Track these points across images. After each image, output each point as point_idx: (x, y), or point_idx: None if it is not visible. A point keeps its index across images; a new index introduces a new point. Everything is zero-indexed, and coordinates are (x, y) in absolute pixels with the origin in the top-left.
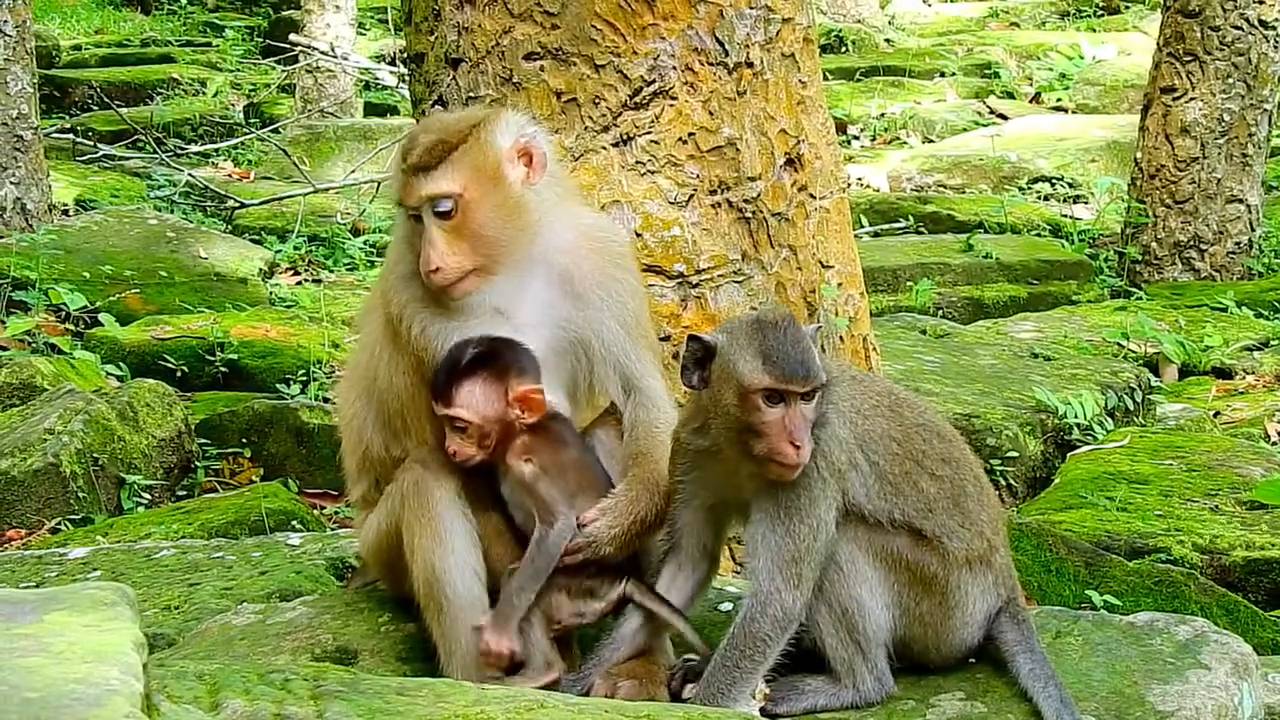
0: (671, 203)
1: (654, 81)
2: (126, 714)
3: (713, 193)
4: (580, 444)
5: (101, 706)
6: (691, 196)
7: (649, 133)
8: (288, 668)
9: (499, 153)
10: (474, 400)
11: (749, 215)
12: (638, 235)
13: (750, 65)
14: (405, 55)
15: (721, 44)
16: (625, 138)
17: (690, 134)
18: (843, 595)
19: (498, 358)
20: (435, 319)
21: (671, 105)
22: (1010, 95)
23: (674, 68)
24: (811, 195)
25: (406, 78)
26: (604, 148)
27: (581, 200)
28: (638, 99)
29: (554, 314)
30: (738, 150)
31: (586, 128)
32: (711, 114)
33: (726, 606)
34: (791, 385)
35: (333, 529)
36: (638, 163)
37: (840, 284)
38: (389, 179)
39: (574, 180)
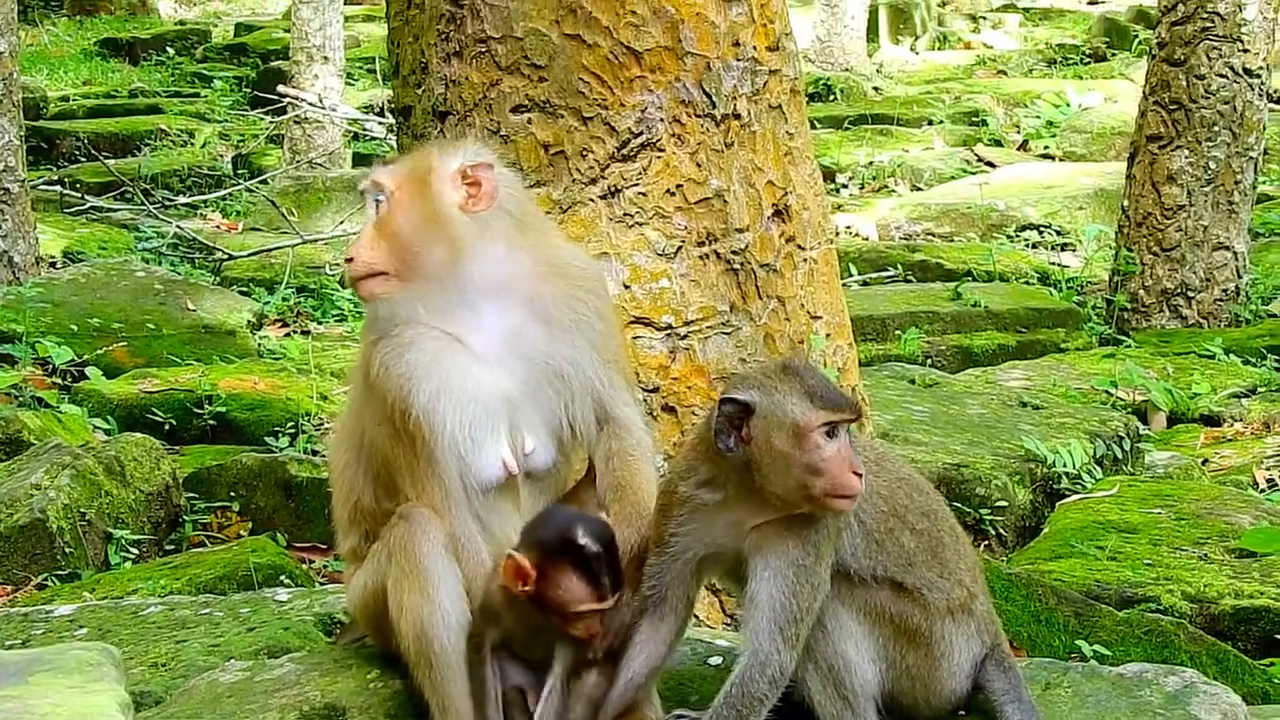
0: (659, 254)
1: (641, 134)
2: None
3: (700, 244)
4: None
5: None
6: (679, 248)
7: (636, 185)
8: None
9: (435, 167)
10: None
11: (737, 266)
12: (626, 287)
13: (738, 117)
14: (393, 107)
15: (709, 96)
16: (613, 190)
17: (678, 186)
18: (828, 652)
19: (596, 521)
20: (397, 356)
21: (659, 157)
22: (998, 143)
23: (661, 120)
24: (799, 246)
25: (395, 130)
26: (592, 200)
27: (554, 235)
28: (625, 151)
29: (522, 342)
30: (725, 202)
31: (574, 180)
32: (699, 166)
33: (716, 660)
34: (845, 415)
35: (321, 583)
36: (625, 215)
37: (829, 335)
38: None
39: (548, 222)
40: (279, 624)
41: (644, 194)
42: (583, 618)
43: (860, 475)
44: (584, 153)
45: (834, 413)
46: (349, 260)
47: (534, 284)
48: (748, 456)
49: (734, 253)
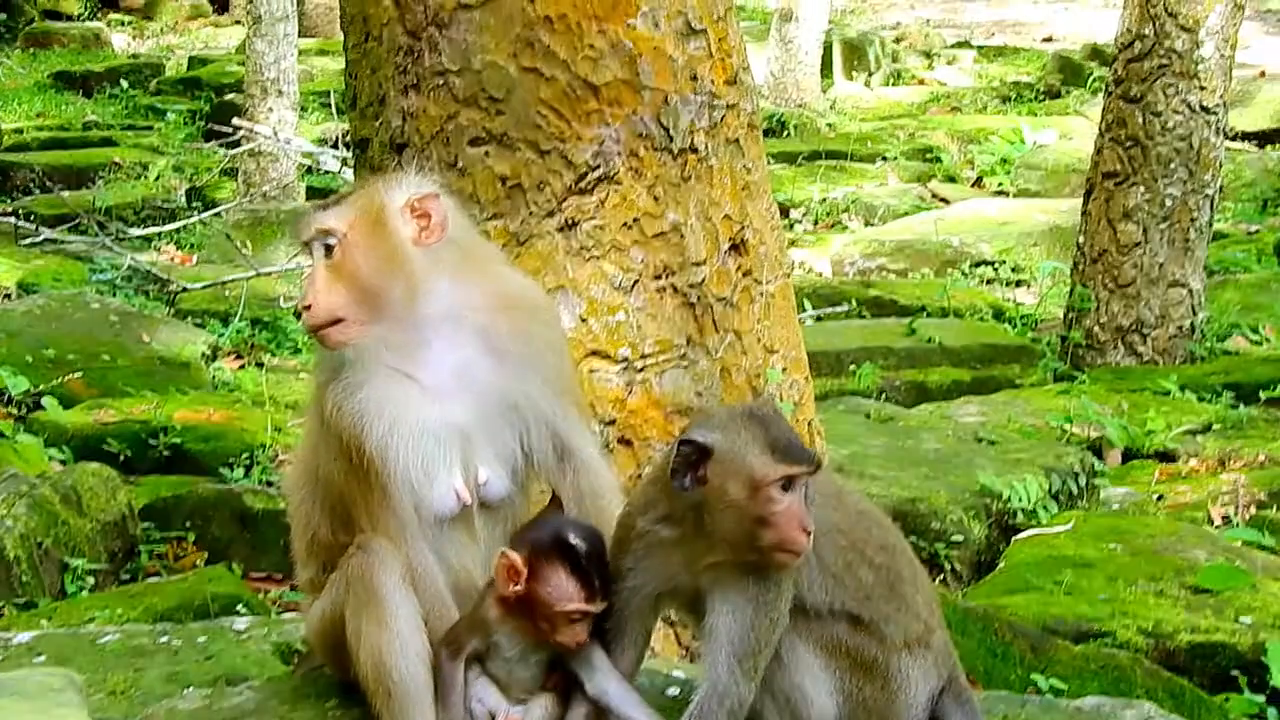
0: (616, 288)
1: (599, 167)
2: None
3: (657, 278)
4: None
5: None
6: (636, 282)
7: (594, 218)
8: None
9: (386, 203)
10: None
11: (694, 300)
12: (582, 320)
13: (695, 151)
14: (350, 140)
15: (666, 130)
16: (570, 223)
17: (635, 219)
18: (785, 685)
19: (589, 526)
20: (348, 392)
21: (616, 190)
22: (952, 179)
23: (619, 153)
24: (756, 280)
25: (352, 163)
26: (549, 233)
27: (501, 263)
28: (582, 184)
29: (473, 375)
30: (682, 235)
31: (531, 213)
32: (656, 199)
33: (673, 691)
34: (803, 469)
35: (278, 613)
36: (582, 248)
37: (785, 369)
38: None
39: (494, 250)
40: (237, 653)
41: (601, 227)
42: (570, 622)
43: (810, 533)
44: (541, 186)
45: (792, 467)
46: (306, 308)
47: (485, 316)
48: (702, 498)
49: (691, 286)
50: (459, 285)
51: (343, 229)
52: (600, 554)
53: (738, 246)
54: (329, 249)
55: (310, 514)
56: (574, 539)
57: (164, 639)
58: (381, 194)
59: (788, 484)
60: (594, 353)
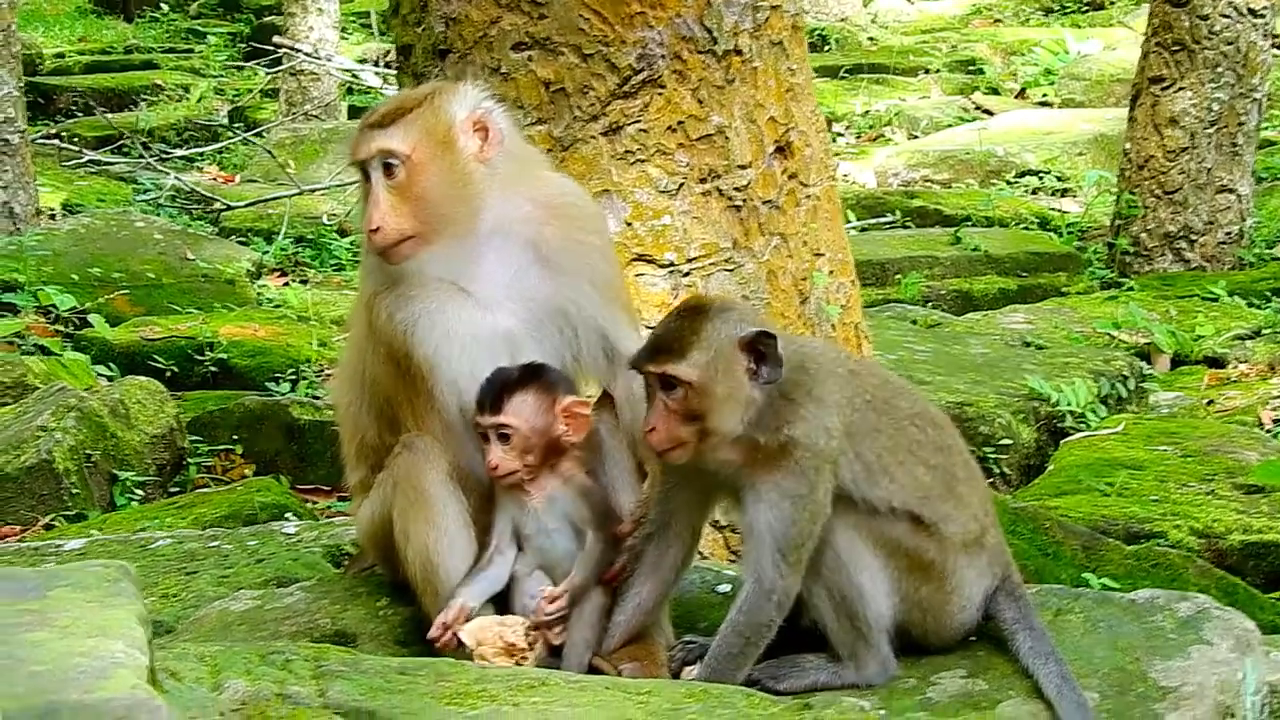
0: (661, 191)
1: (642, 70)
2: (133, 685)
3: (703, 181)
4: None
5: (107, 678)
6: (681, 185)
7: (638, 121)
8: (289, 648)
9: (452, 120)
10: (524, 409)
11: (739, 203)
12: (628, 224)
13: (739, 53)
14: (394, 46)
15: (710, 32)
16: (614, 127)
17: (679, 122)
18: (843, 582)
19: (544, 373)
20: (400, 303)
21: (660, 94)
22: (995, 91)
23: (662, 56)
24: (802, 183)
25: (395, 70)
26: (593, 137)
27: (548, 169)
28: (626, 88)
29: (523, 286)
30: (727, 138)
31: (575, 117)
32: (700, 102)
33: (724, 588)
34: (636, 364)
35: (326, 522)
36: (627, 152)
37: (831, 272)
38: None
39: (539, 155)
40: (287, 555)
41: (645, 131)
42: (484, 441)
43: (650, 432)
44: (585, 90)
45: (633, 362)
46: (374, 231)
47: (534, 227)
48: None
49: (736, 189)
50: (509, 196)
51: (406, 150)
52: (532, 374)
53: (783, 149)
54: (390, 168)
55: (358, 417)
56: (504, 369)
57: (214, 544)
58: (446, 112)
59: (650, 379)
60: (640, 257)
